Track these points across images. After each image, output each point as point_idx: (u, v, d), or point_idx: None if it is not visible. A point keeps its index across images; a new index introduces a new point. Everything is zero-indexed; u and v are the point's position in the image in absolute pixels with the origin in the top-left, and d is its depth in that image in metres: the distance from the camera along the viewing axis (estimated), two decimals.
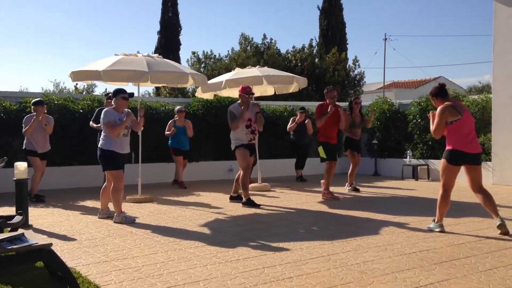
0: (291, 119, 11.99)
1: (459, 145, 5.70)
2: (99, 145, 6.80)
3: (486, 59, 66.80)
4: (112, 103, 6.86)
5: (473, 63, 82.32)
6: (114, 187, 6.67)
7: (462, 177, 6.02)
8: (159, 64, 8.73)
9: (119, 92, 6.80)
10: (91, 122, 9.36)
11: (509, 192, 9.52)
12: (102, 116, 6.74)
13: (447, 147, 5.79)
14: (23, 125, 8.61)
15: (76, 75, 8.52)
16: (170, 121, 10.74)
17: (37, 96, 10.60)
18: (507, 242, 5.37)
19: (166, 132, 10.65)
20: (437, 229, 5.90)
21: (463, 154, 5.69)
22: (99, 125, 8.58)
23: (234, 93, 10.93)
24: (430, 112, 5.99)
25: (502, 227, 5.67)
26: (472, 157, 5.72)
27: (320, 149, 8.79)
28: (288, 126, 11.82)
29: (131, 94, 6.88)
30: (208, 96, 11.18)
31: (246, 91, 8.06)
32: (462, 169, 5.83)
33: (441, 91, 5.90)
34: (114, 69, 8.28)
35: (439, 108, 5.77)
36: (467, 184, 5.88)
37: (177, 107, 10.96)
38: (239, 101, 8.14)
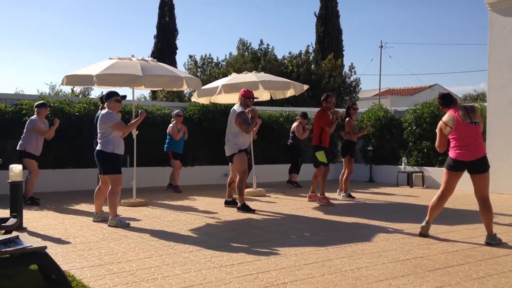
0: (296, 125, 11.92)
1: (453, 153, 5.79)
2: (99, 148, 6.70)
3: (481, 68, 67.31)
4: (105, 105, 6.86)
5: (468, 71, 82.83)
6: (111, 190, 6.65)
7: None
8: (154, 68, 8.70)
9: (112, 94, 6.80)
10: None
11: (502, 200, 9.56)
12: (108, 117, 6.62)
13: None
14: (29, 127, 8.57)
15: (70, 80, 8.49)
16: (171, 125, 10.70)
17: (33, 98, 10.61)
18: (500, 249, 5.40)
19: (175, 134, 10.57)
20: (423, 223, 6.02)
21: (457, 162, 5.75)
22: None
23: (230, 98, 10.94)
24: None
25: (493, 240, 5.72)
26: (469, 165, 5.73)
27: (322, 154, 8.75)
28: (301, 134, 11.74)
29: (124, 97, 6.90)
30: (204, 100, 11.18)
31: (251, 95, 8.09)
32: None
33: (443, 101, 6.01)
34: (107, 73, 8.22)
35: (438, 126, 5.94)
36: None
37: (175, 111, 10.95)
38: (239, 104, 8.12)
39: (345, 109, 10.71)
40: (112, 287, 3.99)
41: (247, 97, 8.05)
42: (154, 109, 12.00)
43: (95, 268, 4.56)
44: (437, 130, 5.96)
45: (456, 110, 5.80)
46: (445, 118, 5.86)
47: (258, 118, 8.45)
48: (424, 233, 6.03)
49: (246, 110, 8.05)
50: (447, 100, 5.98)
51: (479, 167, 5.71)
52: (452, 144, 5.83)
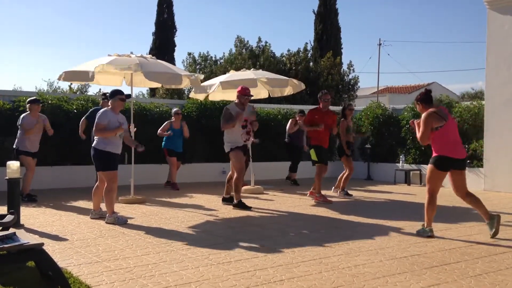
0: (290, 120, 11.93)
1: (446, 151, 5.77)
2: (93, 145, 6.74)
3: (479, 66, 67.21)
4: (109, 103, 6.85)
5: (466, 69, 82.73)
6: (107, 188, 6.65)
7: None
8: (152, 65, 8.69)
9: (116, 93, 6.78)
10: (83, 119, 9.38)
11: (499, 198, 9.59)
12: (97, 115, 6.69)
13: (434, 154, 5.85)
14: (20, 123, 8.58)
15: (68, 75, 8.43)
16: (166, 122, 10.72)
17: (31, 95, 10.56)
18: (497, 247, 5.41)
19: (159, 131, 10.60)
20: (426, 234, 5.93)
21: (450, 160, 5.76)
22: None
23: (227, 95, 10.93)
24: (411, 120, 6.14)
25: (494, 224, 5.78)
26: (459, 162, 5.80)
27: (312, 152, 8.82)
28: (288, 127, 11.77)
29: (128, 96, 6.91)
30: (202, 97, 11.18)
31: (246, 92, 8.07)
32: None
33: (426, 97, 5.97)
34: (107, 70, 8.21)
35: (423, 115, 5.82)
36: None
37: (174, 109, 10.94)
38: (235, 101, 8.13)
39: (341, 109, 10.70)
40: (109, 284, 3.99)
41: (242, 95, 8.06)
42: (152, 106, 11.99)
43: (92, 265, 4.56)
44: (423, 121, 5.75)
45: (441, 108, 5.88)
46: (436, 111, 5.77)
47: (255, 121, 8.33)
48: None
49: (246, 107, 8.05)
50: (430, 98, 5.97)
51: (465, 164, 5.93)
52: (441, 142, 5.75)
